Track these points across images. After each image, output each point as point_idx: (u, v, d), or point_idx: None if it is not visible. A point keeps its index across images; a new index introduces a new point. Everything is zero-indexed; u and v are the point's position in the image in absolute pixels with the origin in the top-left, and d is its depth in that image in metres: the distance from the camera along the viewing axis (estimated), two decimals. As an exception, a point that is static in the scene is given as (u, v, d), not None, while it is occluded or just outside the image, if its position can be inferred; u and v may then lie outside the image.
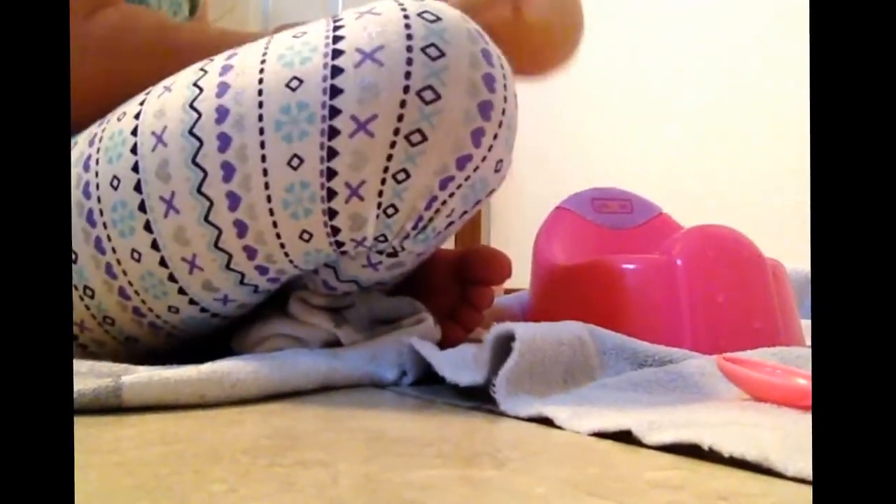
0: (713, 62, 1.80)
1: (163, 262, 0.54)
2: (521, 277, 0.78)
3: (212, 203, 0.51)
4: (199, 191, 0.51)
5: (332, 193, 0.50)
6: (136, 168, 0.53)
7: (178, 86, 0.54)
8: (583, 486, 0.28)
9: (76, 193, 0.56)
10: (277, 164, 0.50)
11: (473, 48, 0.50)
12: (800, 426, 0.35)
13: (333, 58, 0.49)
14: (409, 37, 0.49)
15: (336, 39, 0.50)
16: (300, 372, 0.50)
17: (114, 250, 0.55)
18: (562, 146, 2.09)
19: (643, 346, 0.52)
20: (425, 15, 0.50)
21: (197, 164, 0.51)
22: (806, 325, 0.68)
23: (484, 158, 0.51)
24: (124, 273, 0.55)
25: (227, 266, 0.53)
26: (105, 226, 0.55)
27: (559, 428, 0.39)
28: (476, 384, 0.45)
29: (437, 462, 0.32)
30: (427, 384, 0.52)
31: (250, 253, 0.53)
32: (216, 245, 0.52)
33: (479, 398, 0.45)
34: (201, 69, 0.54)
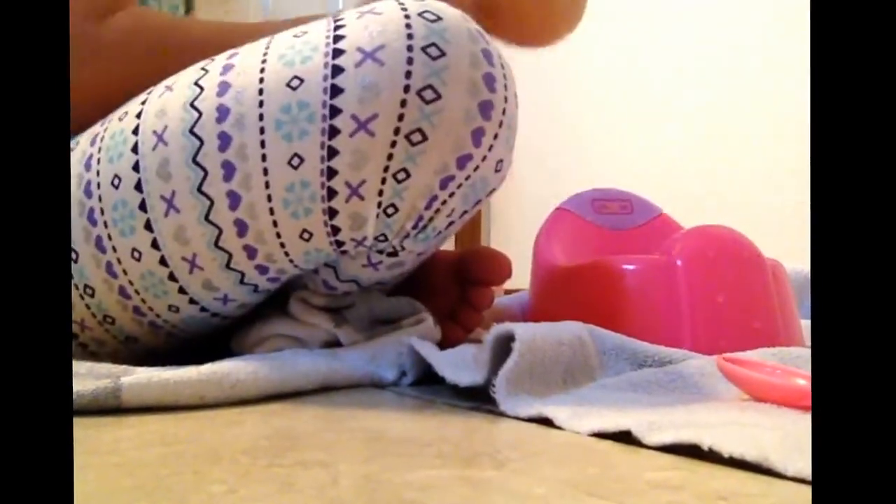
0: (713, 62, 1.80)
1: (163, 261, 0.54)
2: (521, 278, 0.78)
3: (212, 202, 0.51)
4: (199, 190, 0.51)
5: (332, 193, 0.50)
6: (136, 167, 0.53)
7: (180, 85, 0.54)
8: (583, 487, 0.28)
9: (77, 192, 0.56)
10: (278, 164, 0.50)
11: (474, 48, 0.50)
12: (799, 426, 0.35)
13: (334, 57, 0.49)
14: (410, 36, 0.49)
15: (337, 39, 0.50)
16: (300, 372, 0.50)
17: (114, 249, 0.55)
18: (562, 146, 2.09)
19: (643, 347, 0.52)
20: (426, 14, 0.50)
21: (197, 164, 0.51)
22: (806, 325, 0.68)
23: (484, 158, 0.51)
24: (125, 272, 0.55)
25: (228, 265, 0.53)
26: (106, 225, 0.55)
27: (559, 428, 0.39)
28: (476, 384, 0.45)
29: (437, 462, 0.32)
30: (427, 384, 0.52)
31: (250, 252, 0.53)
32: (216, 244, 0.52)
33: (478, 398, 0.45)
34: (202, 68, 0.54)
